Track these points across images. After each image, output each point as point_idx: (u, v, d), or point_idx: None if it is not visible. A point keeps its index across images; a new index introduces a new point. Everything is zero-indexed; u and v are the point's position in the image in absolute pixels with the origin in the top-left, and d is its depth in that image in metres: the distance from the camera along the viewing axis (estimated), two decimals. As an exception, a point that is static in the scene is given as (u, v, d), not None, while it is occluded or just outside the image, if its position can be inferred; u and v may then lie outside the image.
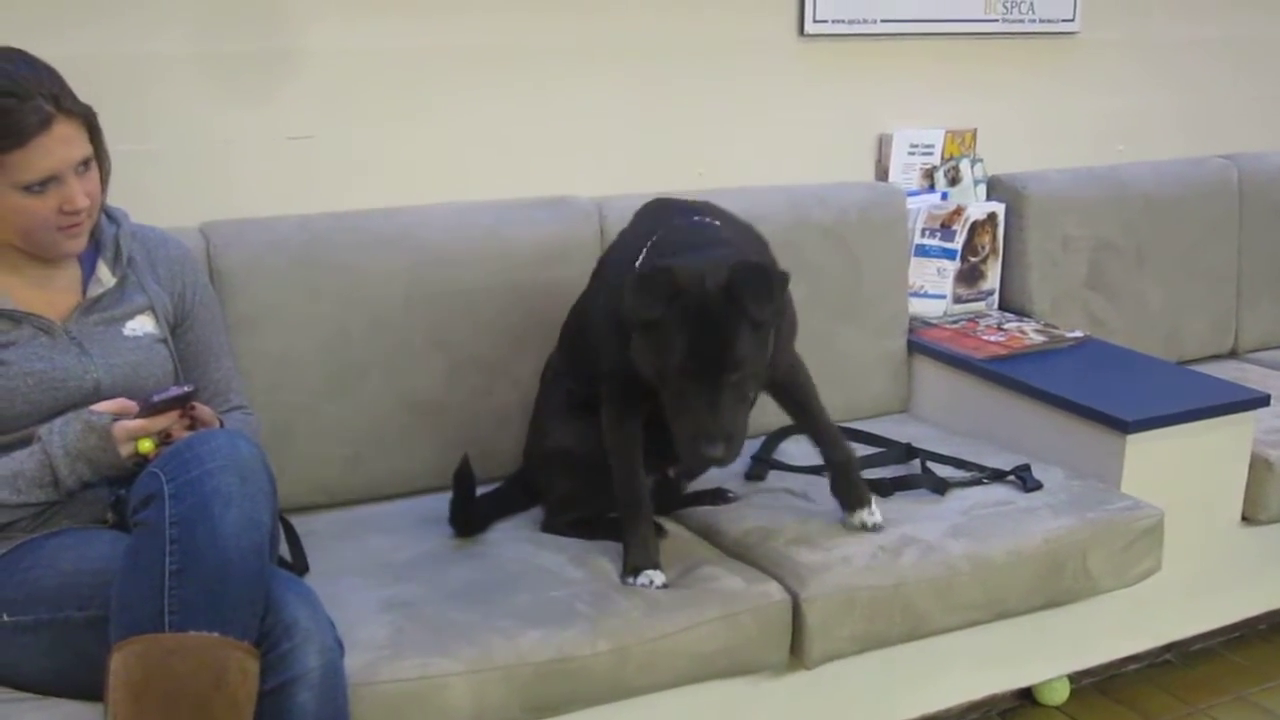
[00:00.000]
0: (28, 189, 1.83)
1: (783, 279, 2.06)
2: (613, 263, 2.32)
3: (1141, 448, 2.55)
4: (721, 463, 2.02)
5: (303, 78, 2.53)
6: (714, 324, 1.98)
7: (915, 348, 3.03)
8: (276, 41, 2.50)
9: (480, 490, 2.41)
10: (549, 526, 2.38)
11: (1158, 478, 2.57)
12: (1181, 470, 2.62)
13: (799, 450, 2.73)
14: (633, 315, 2.03)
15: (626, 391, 2.19)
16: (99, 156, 1.93)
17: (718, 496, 2.52)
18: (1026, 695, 2.75)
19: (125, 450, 1.86)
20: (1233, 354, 3.56)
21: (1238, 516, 2.79)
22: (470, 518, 2.36)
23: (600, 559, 2.25)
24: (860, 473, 2.38)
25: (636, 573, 2.17)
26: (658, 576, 2.16)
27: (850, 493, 2.35)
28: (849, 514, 2.34)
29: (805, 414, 2.37)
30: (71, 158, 1.85)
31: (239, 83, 2.48)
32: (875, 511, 2.34)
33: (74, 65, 1.90)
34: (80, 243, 1.95)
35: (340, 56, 2.56)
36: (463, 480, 2.34)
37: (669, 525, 2.40)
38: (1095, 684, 2.83)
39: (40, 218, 1.86)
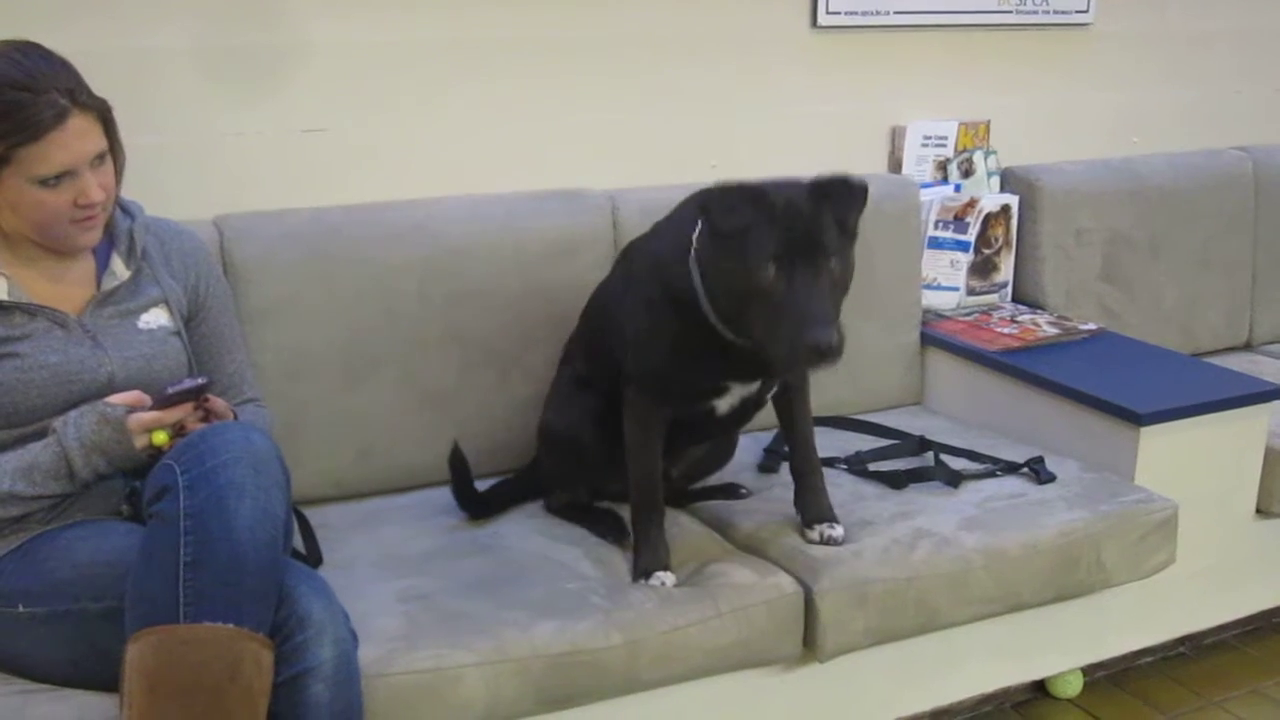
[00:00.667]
0: (43, 182, 1.84)
1: (863, 188, 2.02)
2: (650, 252, 2.24)
3: (1156, 440, 2.54)
4: (833, 355, 1.89)
5: (316, 70, 2.53)
6: (805, 217, 1.94)
7: (928, 340, 3.02)
8: (290, 34, 2.50)
9: (493, 481, 2.42)
10: (547, 505, 2.41)
11: (1172, 470, 2.56)
12: (1196, 463, 2.62)
13: (812, 443, 2.74)
14: (717, 228, 1.97)
15: (664, 400, 2.19)
16: (114, 150, 1.94)
17: (730, 491, 2.52)
18: (1040, 688, 2.74)
19: (140, 442, 1.86)
20: (1247, 346, 3.55)
21: (1252, 509, 2.77)
22: (478, 499, 2.38)
23: (614, 552, 2.25)
24: (825, 489, 2.33)
25: (647, 574, 2.17)
26: (668, 578, 2.16)
27: (813, 507, 2.31)
28: (808, 527, 2.30)
29: (791, 415, 2.32)
30: (87, 151, 1.86)
31: (253, 76, 2.49)
32: (836, 526, 2.28)
33: (89, 58, 1.91)
34: (95, 236, 1.95)
35: (353, 49, 2.56)
36: (457, 465, 2.35)
37: (681, 518, 2.40)
38: (1108, 677, 2.83)
39: (55, 211, 1.87)
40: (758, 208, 1.94)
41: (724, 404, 2.21)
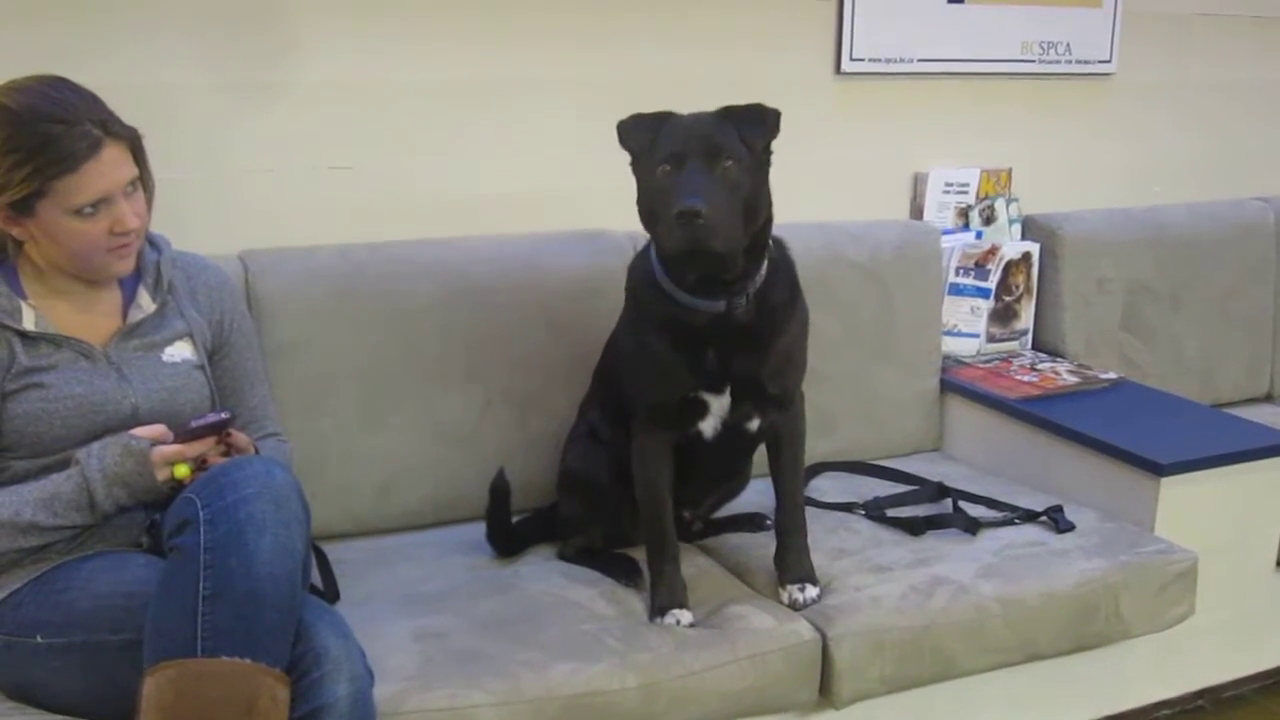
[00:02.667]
0: (79, 212, 1.86)
1: (776, 115, 2.12)
2: (631, 265, 2.31)
3: (1176, 491, 2.53)
4: (695, 218, 1.96)
5: (343, 108, 2.56)
6: (703, 126, 2.07)
7: (948, 386, 3.02)
8: (318, 73, 2.53)
9: (513, 519, 2.43)
10: (561, 553, 2.40)
11: (1192, 521, 2.55)
12: (1216, 514, 2.60)
13: (831, 486, 2.73)
14: (628, 149, 2.11)
15: (656, 419, 2.20)
16: (144, 178, 1.96)
17: (755, 523, 2.53)
18: (1056, 739, 2.72)
19: (162, 475, 1.87)
20: (1268, 398, 3.54)
21: (1273, 562, 2.76)
22: (508, 534, 2.38)
23: (630, 594, 2.25)
24: (807, 549, 2.31)
25: (663, 613, 2.17)
26: (685, 616, 2.16)
27: (793, 567, 2.28)
28: (781, 587, 2.28)
29: (783, 471, 2.31)
30: (120, 180, 1.88)
31: (280, 112, 2.51)
32: (808, 589, 2.25)
33: (118, 94, 1.93)
34: (129, 264, 1.97)
35: (380, 88, 2.58)
36: (498, 494, 2.36)
37: (701, 560, 2.40)
38: (1126, 729, 2.80)
39: (91, 240, 1.88)
40: (659, 122, 2.09)
41: (707, 427, 2.21)
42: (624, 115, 2.78)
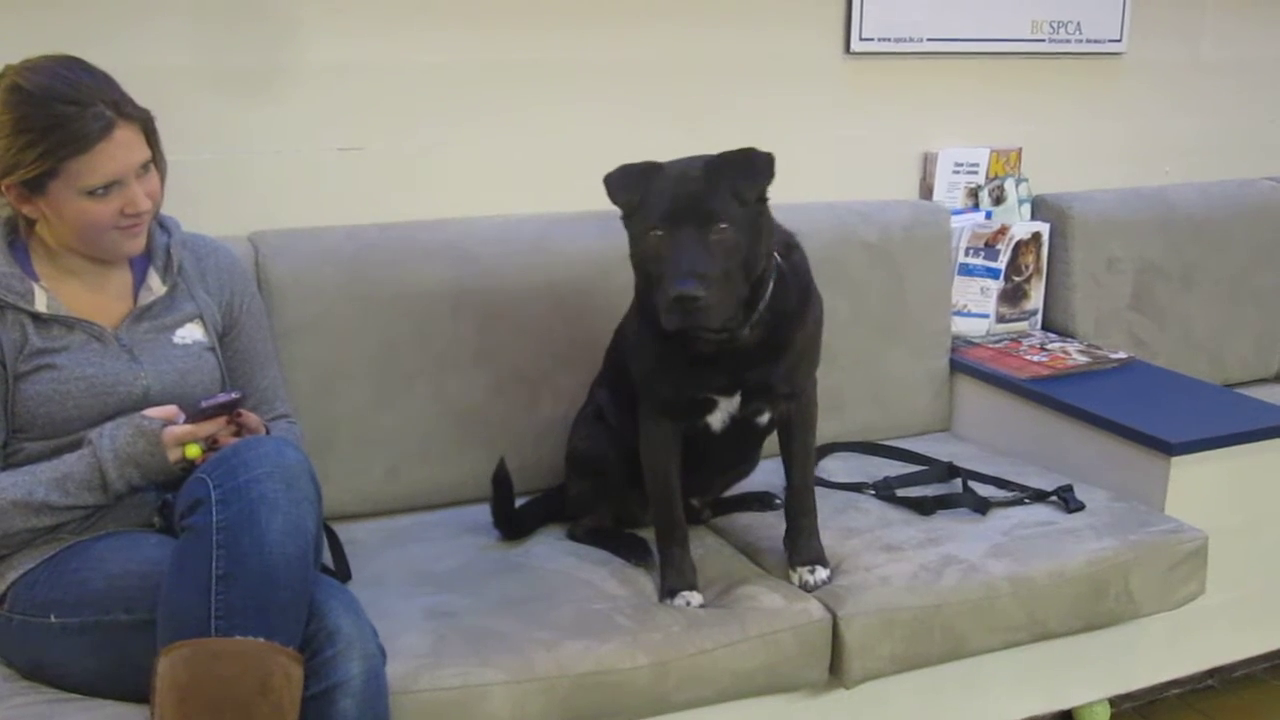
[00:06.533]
0: (91, 193, 1.86)
1: (768, 160, 2.04)
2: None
3: (1186, 470, 2.53)
4: (691, 304, 1.91)
5: (353, 90, 2.56)
6: (694, 185, 2.00)
7: (958, 366, 3.02)
8: (328, 54, 2.52)
9: (522, 500, 2.43)
10: (571, 533, 2.41)
11: (1202, 501, 2.55)
12: (1226, 494, 2.60)
13: (840, 466, 2.74)
14: (617, 205, 2.05)
15: (664, 411, 2.20)
16: (156, 158, 1.96)
17: (764, 502, 2.53)
18: (1067, 718, 2.72)
19: (173, 455, 1.88)
20: (1278, 378, 3.53)
21: (1284, 541, 2.76)
22: (513, 519, 2.39)
23: (641, 574, 2.25)
24: (817, 531, 2.31)
25: (673, 594, 2.17)
26: (694, 598, 2.17)
27: (803, 549, 2.28)
28: (792, 569, 2.28)
29: (794, 456, 2.30)
30: (133, 161, 1.88)
31: (290, 94, 2.51)
32: (818, 570, 2.25)
33: (128, 75, 1.93)
34: (140, 243, 1.98)
35: (390, 69, 2.58)
36: (500, 483, 2.36)
37: (711, 540, 2.40)
38: (1136, 708, 2.81)
39: (103, 220, 1.89)
40: (648, 180, 2.02)
41: (715, 420, 2.22)
42: (631, 95, 2.80)
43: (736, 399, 2.19)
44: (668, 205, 1.98)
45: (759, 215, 2.04)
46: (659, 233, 1.98)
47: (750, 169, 2.03)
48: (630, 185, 2.04)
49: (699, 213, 1.97)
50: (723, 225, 1.97)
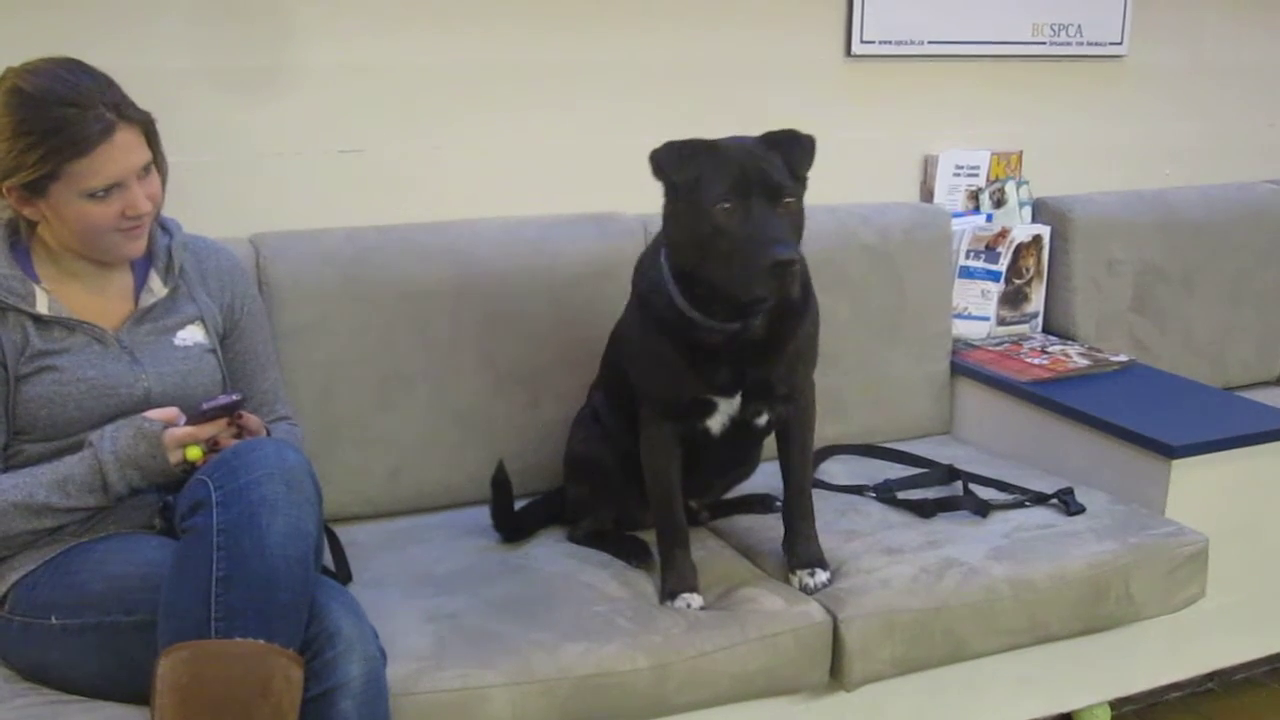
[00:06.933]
0: (91, 195, 1.86)
1: (811, 141, 2.09)
2: (638, 263, 2.28)
3: (1187, 473, 2.53)
4: (793, 272, 1.94)
5: (354, 92, 2.56)
6: (757, 158, 2.01)
7: (958, 369, 3.02)
8: (329, 56, 2.53)
9: (522, 502, 2.43)
10: (571, 535, 2.41)
11: (1203, 504, 2.55)
12: (1227, 497, 2.60)
13: (841, 469, 2.74)
14: (672, 181, 2.03)
15: (665, 413, 2.20)
16: (157, 161, 1.96)
17: (764, 504, 2.53)
18: (1067, 721, 2.73)
19: (174, 457, 1.87)
20: (1279, 381, 3.53)
21: (1284, 545, 2.76)
22: (513, 522, 2.39)
23: (641, 576, 2.25)
24: (815, 535, 2.30)
25: (674, 596, 2.17)
26: (695, 600, 2.17)
27: (802, 553, 2.28)
28: (791, 572, 2.28)
29: (791, 459, 2.29)
30: (133, 164, 1.88)
31: (291, 96, 2.51)
32: (818, 573, 2.25)
33: (129, 77, 1.93)
34: (141, 245, 1.98)
35: (391, 71, 2.58)
36: (500, 486, 2.37)
37: (711, 542, 2.40)
38: (1136, 712, 2.80)
39: (103, 222, 1.89)
40: (706, 155, 2.01)
41: (715, 424, 2.21)
42: (632, 97, 2.80)
43: (737, 400, 2.19)
44: (737, 178, 1.99)
45: (803, 194, 2.08)
46: (727, 205, 1.98)
47: (800, 147, 2.07)
48: (686, 160, 2.02)
49: (769, 185, 1.99)
50: (789, 199, 2.01)
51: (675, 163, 2.03)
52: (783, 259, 1.93)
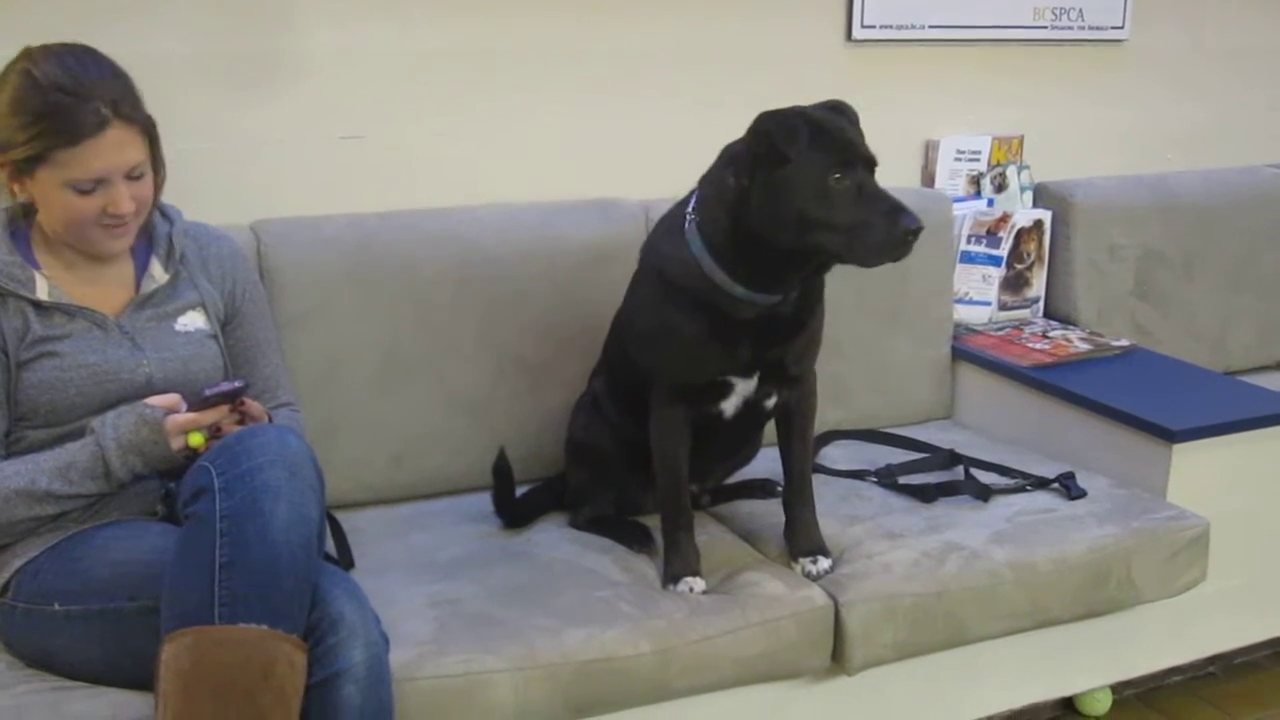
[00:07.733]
0: (75, 187, 1.86)
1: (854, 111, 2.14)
2: (647, 245, 2.27)
3: (1188, 457, 2.53)
4: (918, 235, 1.99)
5: (354, 77, 2.55)
6: (852, 132, 2.07)
7: (960, 354, 3.02)
8: (330, 42, 2.52)
9: (524, 489, 2.43)
10: (573, 521, 2.41)
11: (1204, 488, 2.55)
12: (1228, 481, 2.60)
13: (842, 454, 2.74)
14: (781, 152, 2.00)
15: (679, 396, 2.20)
16: (155, 165, 1.96)
17: (765, 489, 2.54)
18: (1068, 705, 2.73)
19: (176, 444, 1.88)
20: (1280, 366, 3.54)
21: (1286, 528, 2.76)
22: (514, 508, 2.39)
23: (644, 561, 2.26)
24: (816, 522, 2.31)
25: (676, 580, 2.18)
26: (697, 584, 2.17)
27: (803, 541, 2.28)
28: (794, 559, 2.28)
29: (792, 445, 2.30)
30: (122, 163, 1.87)
31: (291, 82, 2.51)
32: (820, 560, 2.26)
33: (129, 63, 1.93)
34: (124, 244, 1.97)
35: (392, 56, 2.58)
36: (501, 473, 2.37)
37: (713, 527, 2.41)
38: (1137, 695, 2.81)
39: (82, 215, 1.89)
40: (808, 128, 2.02)
41: (729, 406, 2.22)
42: (633, 83, 2.79)
43: (754, 381, 2.19)
44: (845, 151, 2.02)
45: None
46: (838, 176, 2.00)
47: (857, 118, 2.11)
48: (797, 133, 2.01)
49: (867, 158, 2.04)
50: (876, 169, 2.05)
51: (788, 135, 2.01)
52: (915, 228, 1.98)
